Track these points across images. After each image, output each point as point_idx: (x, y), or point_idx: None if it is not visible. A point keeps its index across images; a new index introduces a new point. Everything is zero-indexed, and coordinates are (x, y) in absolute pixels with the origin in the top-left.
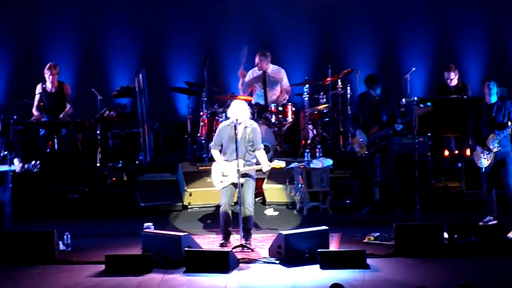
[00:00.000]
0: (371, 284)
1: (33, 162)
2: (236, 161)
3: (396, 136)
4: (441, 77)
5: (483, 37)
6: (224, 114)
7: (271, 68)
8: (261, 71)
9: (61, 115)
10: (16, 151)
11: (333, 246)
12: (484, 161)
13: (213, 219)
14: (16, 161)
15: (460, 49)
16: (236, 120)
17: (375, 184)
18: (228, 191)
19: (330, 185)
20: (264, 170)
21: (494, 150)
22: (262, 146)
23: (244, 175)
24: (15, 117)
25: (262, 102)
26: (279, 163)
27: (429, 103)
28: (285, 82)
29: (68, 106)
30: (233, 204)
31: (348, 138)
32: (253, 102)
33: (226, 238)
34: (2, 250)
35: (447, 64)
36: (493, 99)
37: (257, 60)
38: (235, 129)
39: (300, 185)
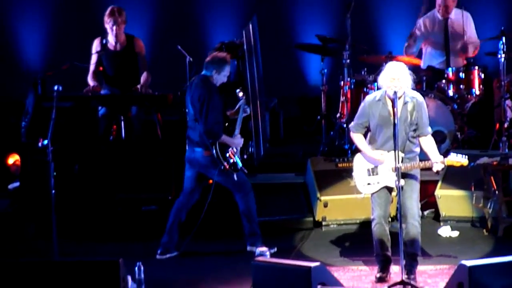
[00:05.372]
0: None
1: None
2: (393, 153)
3: None
4: None
5: None
6: (376, 84)
7: (454, 13)
8: (441, 17)
9: (138, 86)
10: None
11: None
12: None
13: (358, 242)
14: None
15: None
16: (395, 92)
17: None
18: (383, 199)
19: None
20: (434, 170)
21: None
22: (430, 130)
23: (404, 174)
24: (60, 88)
25: (438, 65)
26: (460, 159)
27: None
28: (473, 32)
29: (145, 73)
30: (390, 218)
31: None
32: (422, 66)
33: (385, 268)
34: (49, 285)
35: None
36: None
37: (441, 1)
38: (393, 105)
39: (493, 192)
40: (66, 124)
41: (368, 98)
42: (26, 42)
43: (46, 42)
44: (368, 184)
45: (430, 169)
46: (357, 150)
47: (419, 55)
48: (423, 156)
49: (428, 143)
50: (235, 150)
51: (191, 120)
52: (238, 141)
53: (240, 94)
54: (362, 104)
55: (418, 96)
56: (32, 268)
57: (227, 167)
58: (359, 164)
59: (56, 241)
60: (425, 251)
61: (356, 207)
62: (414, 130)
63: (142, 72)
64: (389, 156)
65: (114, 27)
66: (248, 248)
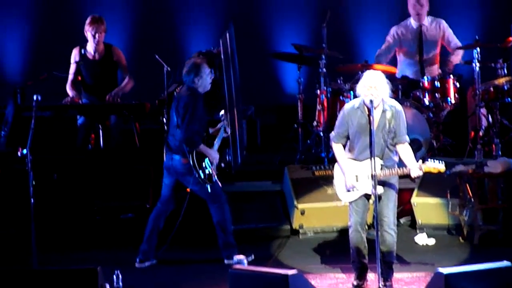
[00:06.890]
0: None
1: None
2: (371, 161)
3: None
4: None
5: None
6: (352, 92)
7: (427, 21)
8: (415, 26)
9: (112, 93)
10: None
11: None
12: None
13: (335, 249)
14: None
15: None
16: (370, 101)
17: None
18: (360, 205)
19: None
20: (413, 175)
21: None
22: (407, 139)
23: (382, 183)
24: (39, 98)
25: (412, 74)
26: (437, 165)
27: None
28: (452, 37)
29: (126, 78)
30: (367, 226)
31: None
32: (397, 75)
33: (361, 275)
34: None
35: None
36: None
37: (412, 8)
38: (369, 114)
39: (468, 199)
40: (45, 133)
41: (347, 106)
42: (5, 52)
43: (26, 52)
44: (348, 192)
45: (407, 176)
46: (334, 158)
47: (395, 64)
48: (401, 165)
49: (405, 151)
50: (211, 162)
51: (173, 128)
52: (215, 154)
53: (222, 112)
54: (341, 113)
55: (397, 104)
56: (11, 277)
57: (202, 176)
58: (339, 172)
59: (35, 249)
60: (402, 258)
61: (333, 215)
62: (393, 138)
63: (125, 78)
64: (367, 165)
65: (97, 35)
66: (226, 261)
